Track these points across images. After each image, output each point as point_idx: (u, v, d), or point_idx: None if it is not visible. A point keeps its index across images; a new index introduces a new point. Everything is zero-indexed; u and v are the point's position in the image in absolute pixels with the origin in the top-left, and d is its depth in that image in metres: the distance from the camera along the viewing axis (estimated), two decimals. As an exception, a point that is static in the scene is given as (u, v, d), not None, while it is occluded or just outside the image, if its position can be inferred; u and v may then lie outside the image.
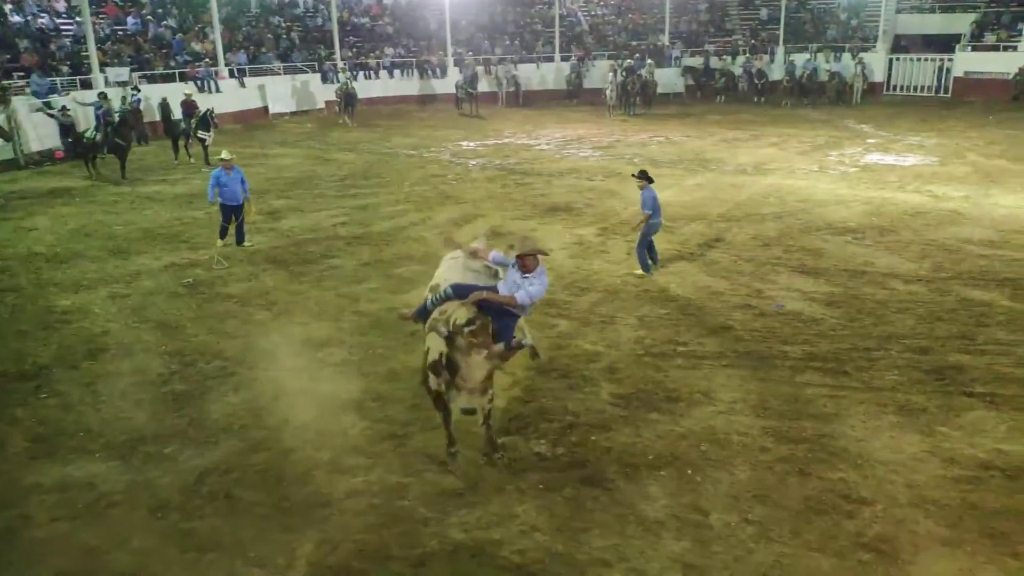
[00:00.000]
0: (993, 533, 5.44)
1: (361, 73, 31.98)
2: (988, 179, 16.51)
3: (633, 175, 10.79)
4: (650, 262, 10.97)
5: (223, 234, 12.64)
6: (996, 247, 11.79)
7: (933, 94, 31.91)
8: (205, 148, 19.92)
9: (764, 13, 37.05)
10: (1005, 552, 5.25)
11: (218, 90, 27.00)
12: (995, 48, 30.84)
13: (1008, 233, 12.47)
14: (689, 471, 6.30)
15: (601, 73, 32.08)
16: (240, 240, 12.74)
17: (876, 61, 32.66)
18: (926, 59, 32.55)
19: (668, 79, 33.19)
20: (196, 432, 7.09)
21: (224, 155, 12.44)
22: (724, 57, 34.08)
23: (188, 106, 21.10)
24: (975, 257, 11.35)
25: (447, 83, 33.07)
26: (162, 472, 6.46)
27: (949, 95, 31.11)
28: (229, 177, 12.33)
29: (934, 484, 6.04)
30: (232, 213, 12.52)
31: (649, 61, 31.57)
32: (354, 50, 33.51)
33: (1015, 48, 29.98)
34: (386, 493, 6.11)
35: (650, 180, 10.60)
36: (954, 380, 7.70)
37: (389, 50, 34.21)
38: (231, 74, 28.36)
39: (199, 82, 26.50)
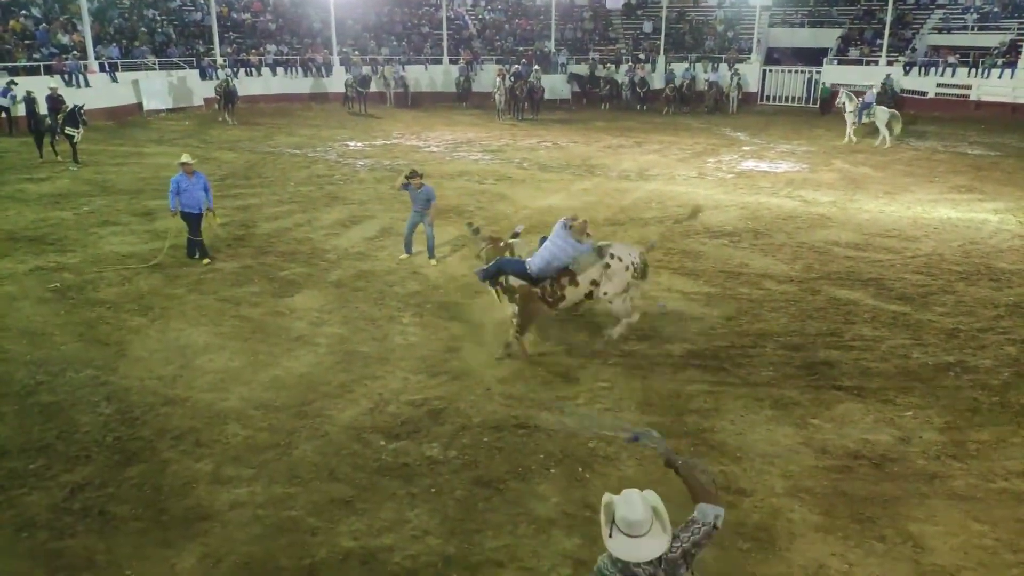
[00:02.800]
0: (862, 518, 5.77)
1: (242, 70, 31.00)
2: (853, 185, 17.54)
3: (407, 177, 11.39)
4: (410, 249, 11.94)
5: (195, 251, 11.51)
6: (861, 249, 12.54)
7: (803, 104, 33.71)
8: (74, 145, 18.77)
9: (647, 25, 38.15)
10: (873, 536, 5.58)
11: (87, 84, 25.55)
12: (859, 62, 32.93)
13: (871, 236, 13.28)
14: (578, 468, 6.40)
15: (489, 77, 32.27)
16: (194, 254, 11.59)
17: (751, 72, 34.20)
18: (796, 71, 34.37)
19: (555, 85, 33.70)
20: (65, 446, 6.68)
21: (185, 158, 11.31)
22: (608, 65, 34.89)
23: (54, 101, 19.86)
24: (842, 259, 12.03)
25: (336, 82, 32.52)
26: (28, 489, 6.06)
27: (818, 105, 32.91)
28: (190, 182, 11.19)
29: (807, 474, 6.35)
30: (197, 223, 11.40)
31: (536, 67, 31.96)
32: (234, 46, 32.45)
33: (876, 62, 32.06)
34: (272, 503, 5.93)
35: (421, 176, 11.48)
36: (824, 375, 8.13)
37: (272, 47, 33.32)
38: (102, 68, 26.87)
39: (66, 76, 25.02)
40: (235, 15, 34.39)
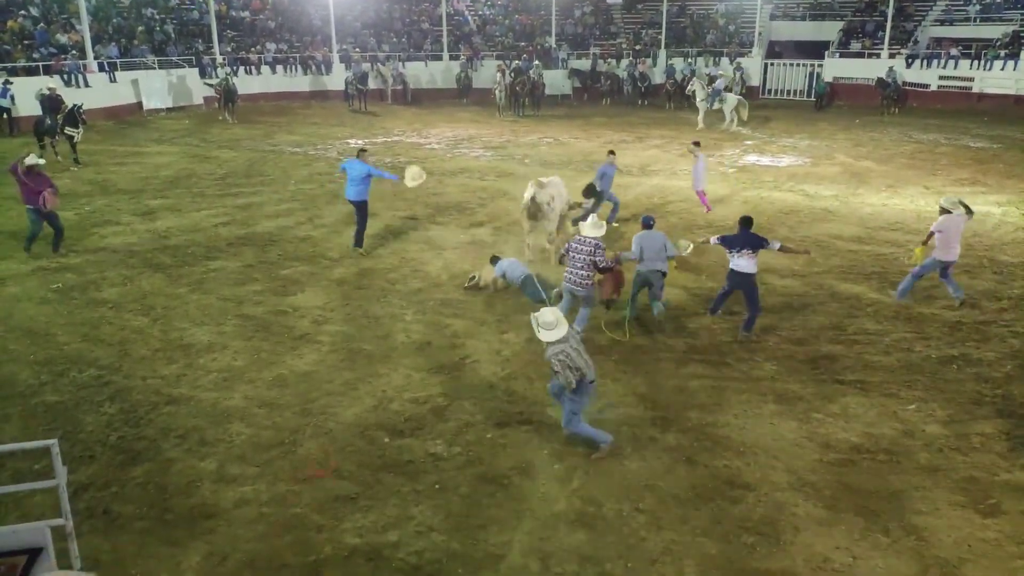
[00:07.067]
0: (866, 512, 5.77)
1: (242, 68, 31.00)
2: (856, 179, 17.51)
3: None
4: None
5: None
6: (863, 243, 12.52)
7: (805, 98, 33.62)
8: (74, 146, 18.77)
9: (645, 30, 38.09)
10: (877, 529, 5.58)
11: (87, 84, 25.53)
12: (860, 55, 32.84)
13: (874, 229, 13.26)
14: (583, 463, 6.40)
15: (490, 73, 32.23)
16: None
17: (752, 66, 34.15)
18: (798, 64, 34.30)
19: (555, 81, 33.67)
20: (69, 446, 6.68)
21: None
22: (609, 60, 34.82)
23: (53, 101, 19.84)
24: (845, 252, 12.02)
25: (336, 80, 32.50)
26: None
27: (814, 100, 32.85)
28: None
29: (811, 468, 6.35)
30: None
31: (537, 63, 31.92)
32: (233, 44, 32.43)
33: (878, 55, 31.97)
34: (276, 501, 5.94)
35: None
36: (827, 369, 8.13)
37: (271, 45, 33.30)
38: (101, 68, 26.85)
39: (65, 76, 25.01)
40: (234, 13, 34.36)
